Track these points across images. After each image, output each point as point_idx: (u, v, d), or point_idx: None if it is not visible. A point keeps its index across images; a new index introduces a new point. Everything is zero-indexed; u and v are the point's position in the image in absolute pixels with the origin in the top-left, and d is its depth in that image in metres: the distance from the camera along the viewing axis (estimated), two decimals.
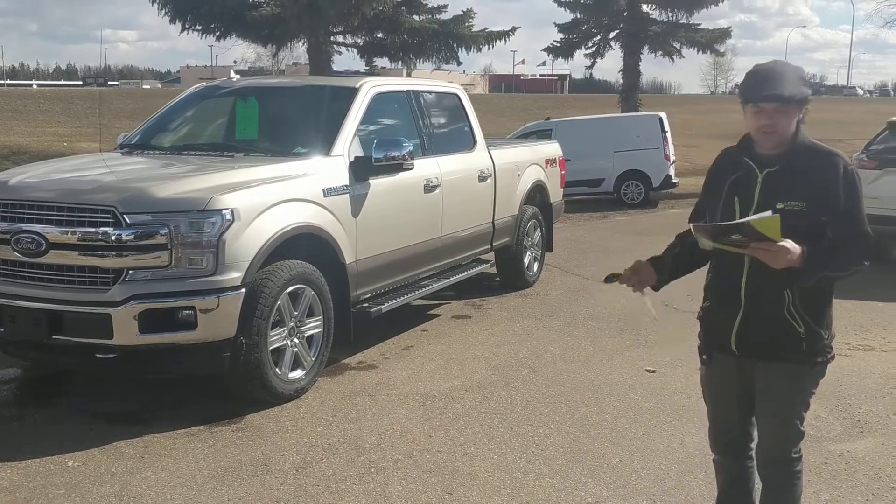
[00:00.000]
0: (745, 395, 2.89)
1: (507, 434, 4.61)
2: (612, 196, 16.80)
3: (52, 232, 4.58)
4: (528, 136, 16.72)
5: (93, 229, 4.51)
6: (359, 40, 15.92)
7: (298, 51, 16.92)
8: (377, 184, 5.78)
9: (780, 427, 2.84)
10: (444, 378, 5.59)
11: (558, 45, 25.51)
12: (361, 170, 5.66)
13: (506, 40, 15.87)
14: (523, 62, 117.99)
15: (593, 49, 25.37)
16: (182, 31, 15.10)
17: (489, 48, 15.69)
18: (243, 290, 4.68)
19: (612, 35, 25.18)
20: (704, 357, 2.94)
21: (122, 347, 4.52)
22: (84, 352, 4.63)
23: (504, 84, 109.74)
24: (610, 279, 3.03)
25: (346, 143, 5.68)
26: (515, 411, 4.97)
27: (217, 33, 15.49)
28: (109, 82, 74.52)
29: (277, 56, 19.12)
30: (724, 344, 2.83)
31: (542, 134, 16.42)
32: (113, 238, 4.48)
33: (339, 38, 16.09)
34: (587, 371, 5.75)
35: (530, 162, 8.53)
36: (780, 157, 2.71)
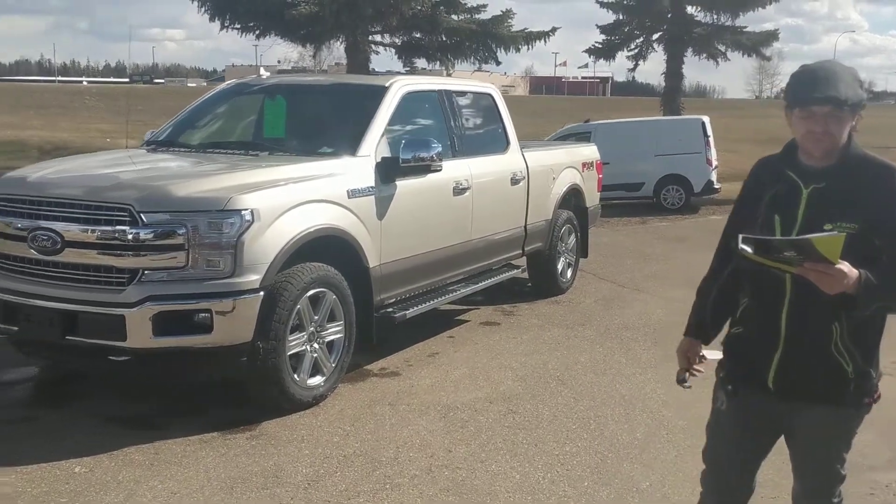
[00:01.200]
0: (770, 435, 2.59)
1: (532, 451, 4.40)
2: (651, 201, 16.45)
3: (68, 230, 4.48)
4: (566, 138, 16.44)
5: (109, 228, 4.40)
6: (397, 40, 15.80)
7: (339, 51, 16.81)
8: (404, 185, 5.60)
9: (821, 473, 2.54)
10: (468, 388, 5.39)
11: (599, 46, 25.15)
12: (388, 171, 5.48)
13: (545, 41, 15.62)
14: (564, 64, 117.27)
15: (635, 51, 24.97)
16: (221, 28, 15.12)
17: (528, 48, 15.46)
18: (262, 293, 4.53)
19: (654, 37, 24.75)
20: (730, 388, 2.57)
21: (136, 350, 4.39)
22: (97, 354, 4.51)
23: (545, 86, 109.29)
24: (682, 382, 2.69)
25: (374, 144, 5.51)
26: (541, 426, 4.75)
27: (256, 32, 15.47)
28: (155, 80, 75.60)
29: (317, 56, 19.03)
30: (757, 379, 2.49)
31: (581, 136, 16.12)
32: (129, 237, 4.36)
33: (378, 38, 15.99)
34: (619, 385, 5.51)
35: (566, 165, 8.29)
36: (828, 170, 2.37)
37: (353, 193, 5.18)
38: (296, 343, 4.80)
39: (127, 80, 68.72)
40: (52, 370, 5.50)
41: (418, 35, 15.40)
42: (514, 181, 7.19)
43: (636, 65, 25.09)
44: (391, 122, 5.78)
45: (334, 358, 5.11)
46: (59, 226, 4.50)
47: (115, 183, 4.64)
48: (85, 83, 65.10)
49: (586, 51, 25.10)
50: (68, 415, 4.77)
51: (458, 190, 6.27)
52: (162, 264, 4.40)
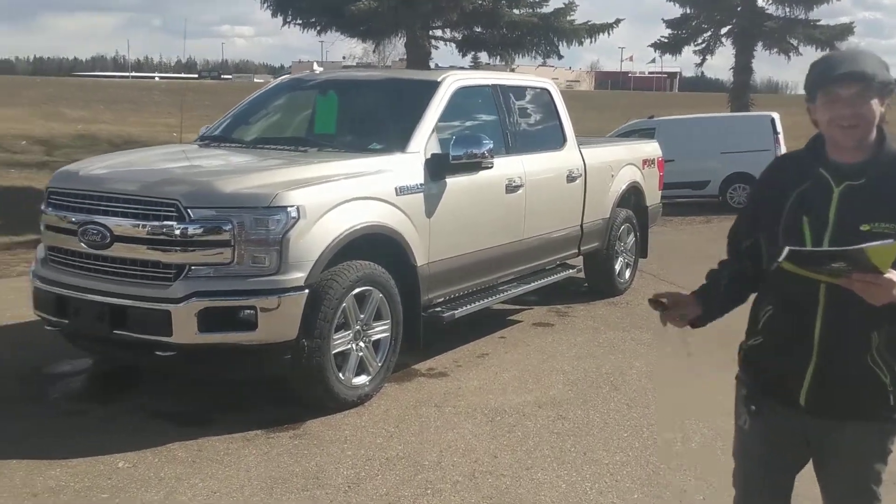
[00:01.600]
0: (801, 454, 2.37)
1: (580, 460, 4.24)
2: (716, 199, 16.01)
3: (117, 224, 4.50)
4: (629, 134, 16.13)
5: (156, 223, 4.40)
6: (457, 35, 15.64)
7: (401, 46, 16.78)
8: (454, 183, 5.48)
9: (855, 494, 2.31)
10: (517, 391, 5.25)
11: (666, 40, 24.55)
12: (438, 168, 5.38)
13: (609, 33, 15.25)
14: (631, 59, 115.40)
15: (703, 45, 24.29)
16: (283, 24, 15.19)
17: (591, 42, 15.13)
18: (306, 290, 4.47)
19: (723, 31, 24.05)
20: (753, 408, 2.37)
21: (181, 346, 4.38)
22: (144, 348, 4.52)
23: (611, 81, 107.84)
24: (655, 304, 2.48)
25: (423, 140, 5.41)
26: (591, 434, 4.59)
27: (318, 27, 15.50)
28: (223, 76, 77.15)
29: (378, 51, 19.03)
30: (785, 396, 2.28)
31: (645, 133, 15.79)
32: (176, 232, 4.35)
33: (438, 33, 15.87)
34: (674, 392, 5.29)
35: (626, 162, 8.06)
36: (861, 166, 2.17)
37: (401, 190, 5.09)
38: (341, 341, 4.74)
39: (196, 76, 70.24)
40: (104, 363, 5.56)
41: (479, 29, 15.23)
42: (571, 178, 7.01)
43: (703, 59, 24.42)
44: (442, 117, 5.67)
45: (380, 357, 5.03)
46: (108, 220, 4.52)
47: (162, 178, 4.64)
48: (157, 79, 66.82)
49: (652, 45, 24.55)
50: (116, 409, 4.79)
51: (511, 187, 6.12)
52: (208, 260, 4.38)
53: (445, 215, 5.42)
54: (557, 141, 7.05)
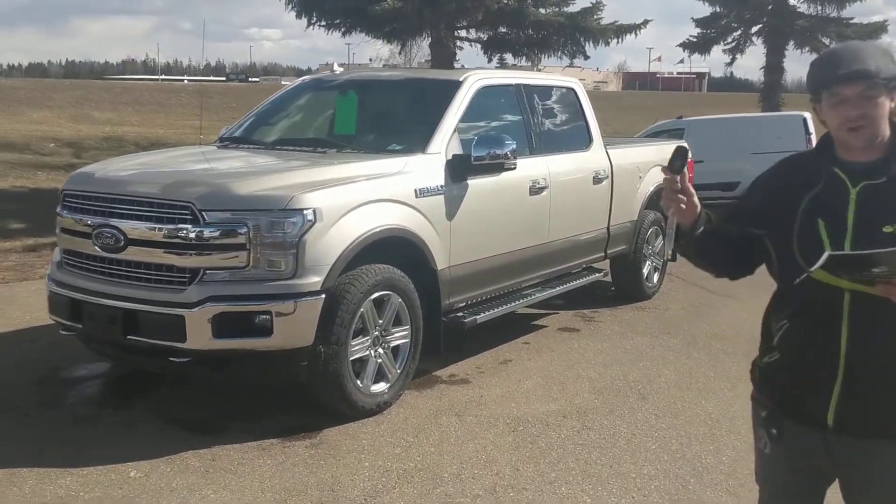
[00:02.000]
0: (826, 477, 2.20)
1: (606, 473, 4.07)
2: None
3: (131, 227, 4.41)
4: (657, 135, 15.87)
5: (171, 226, 4.30)
6: (482, 35, 15.50)
7: (426, 47, 16.67)
8: (476, 184, 5.34)
9: None
10: (541, 400, 5.09)
11: (695, 40, 24.23)
12: (459, 169, 5.23)
13: (636, 34, 15.01)
14: (659, 59, 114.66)
15: (733, 44, 23.94)
16: (308, 25, 15.13)
17: (619, 42, 14.90)
18: (323, 295, 4.35)
19: (753, 30, 23.69)
20: (774, 431, 2.18)
21: (196, 352, 4.28)
22: (158, 354, 4.42)
23: (639, 82, 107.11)
24: (670, 168, 2.24)
25: (444, 140, 5.27)
26: (618, 445, 4.41)
27: (342, 29, 15.43)
28: (251, 78, 77.65)
29: (404, 52, 18.93)
30: (810, 416, 2.11)
31: (674, 133, 15.52)
32: (190, 235, 4.25)
33: (462, 34, 15.74)
34: (705, 401, 5.10)
35: (654, 163, 7.84)
36: (877, 164, 2.03)
37: (421, 192, 4.95)
38: (359, 348, 4.61)
39: (224, 78, 70.78)
40: (121, 367, 5.47)
41: (504, 29, 15.07)
42: (597, 180, 6.83)
43: (733, 59, 24.08)
44: (464, 117, 5.52)
45: (399, 364, 4.89)
46: (122, 223, 4.44)
47: (177, 180, 4.54)
48: (185, 81, 67.43)
49: (681, 45, 24.24)
50: (131, 415, 4.70)
51: (535, 189, 5.96)
52: (223, 264, 4.28)
53: (467, 218, 5.28)
54: (583, 141, 6.87)
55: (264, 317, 4.24)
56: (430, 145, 5.20)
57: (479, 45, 15.92)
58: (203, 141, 6.18)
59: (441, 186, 5.11)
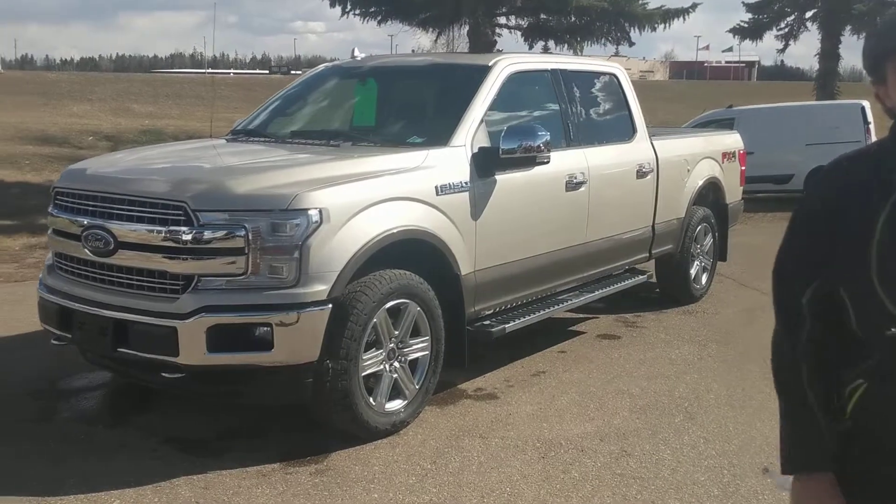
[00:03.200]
0: None
1: None
2: (801, 194, 14.88)
3: (121, 229, 4.00)
4: (706, 125, 15.17)
5: (162, 228, 3.88)
6: (522, 22, 14.95)
7: (462, 35, 16.18)
8: (505, 180, 4.84)
9: None
10: (575, 419, 4.59)
11: (745, 25, 23.26)
12: (486, 163, 4.74)
13: (684, 18, 14.32)
14: (707, 48, 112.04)
15: (785, 30, 22.94)
16: (342, 14, 14.74)
17: (666, 28, 14.22)
18: (330, 305, 3.90)
19: (808, 14, 22.64)
20: None
21: (189, 367, 3.86)
22: (149, 368, 4.02)
23: (686, 71, 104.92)
24: None
25: (470, 132, 4.77)
26: (661, 476, 3.89)
27: (378, 17, 15.02)
28: (293, 71, 77.79)
29: (445, 40, 18.43)
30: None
31: (724, 123, 14.82)
32: (183, 238, 3.83)
33: (502, 21, 15.20)
34: (761, 423, 4.53)
35: (703, 155, 7.27)
36: None
37: (442, 189, 4.47)
38: (372, 362, 4.16)
39: (267, 71, 71.02)
40: (121, 377, 5.10)
41: (545, 16, 14.50)
42: (641, 174, 6.27)
43: (786, 45, 23.05)
44: (493, 106, 5.03)
45: (418, 379, 4.43)
46: (112, 224, 4.04)
47: (171, 178, 4.13)
48: (231, 75, 67.79)
49: (731, 31, 23.28)
50: (124, 433, 4.31)
51: (573, 184, 5.44)
52: (219, 270, 3.85)
53: (494, 217, 4.79)
54: (626, 132, 6.32)
55: (264, 329, 3.81)
56: (453, 137, 4.71)
57: (518, 33, 15.37)
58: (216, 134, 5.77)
59: (465, 183, 4.62)
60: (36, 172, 14.68)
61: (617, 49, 17.52)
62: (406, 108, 5.37)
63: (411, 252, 4.31)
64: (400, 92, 5.55)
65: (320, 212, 3.86)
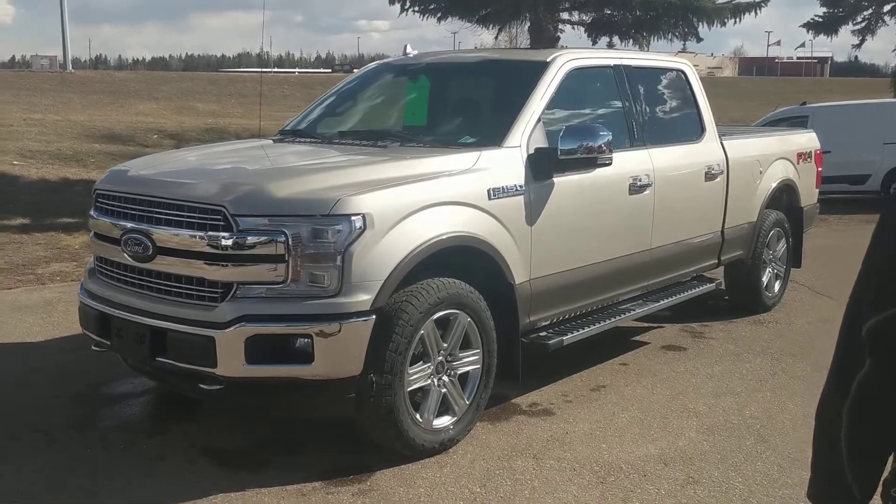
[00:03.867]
0: None
1: None
2: (878, 195, 14.17)
3: (159, 233, 3.85)
4: (778, 123, 14.58)
5: (200, 233, 3.71)
6: (585, 17, 14.53)
7: (523, 32, 15.87)
8: (563, 183, 4.55)
9: None
10: (637, 440, 4.27)
11: (820, 19, 22.32)
12: (543, 165, 4.46)
13: (756, 13, 13.70)
14: (778, 43, 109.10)
15: (862, 25, 21.92)
16: (401, 12, 14.52)
17: (736, 23, 13.62)
18: (374, 316, 3.68)
19: (886, 8, 21.57)
20: None
21: (228, 379, 3.68)
22: (187, 379, 3.86)
23: (756, 67, 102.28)
24: None
25: (526, 132, 4.50)
26: None
27: (437, 14, 14.78)
28: (354, 69, 78.50)
29: (506, 37, 18.13)
30: None
31: (796, 121, 14.20)
32: (222, 244, 3.65)
33: (564, 16, 14.80)
34: None
35: (777, 155, 6.84)
36: None
37: (495, 193, 4.21)
38: (418, 376, 3.92)
39: (330, 70, 71.62)
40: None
41: (609, 11, 14.05)
42: (710, 176, 5.90)
43: (862, 40, 22.04)
44: (551, 104, 4.74)
45: (468, 394, 4.18)
46: (150, 228, 3.89)
47: (210, 181, 3.95)
48: (297, 74, 68.59)
49: (804, 25, 22.38)
50: (164, 443, 4.17)
51: (636, 187, 5.12)
52: (259, 277, 3.66)
53: (551, 222, 4.50)
54: (694, 131, 5.96)
55: (304, 340, 3.61)
56: (508, 137, 4.44)
57: (581, 28, 14.94)
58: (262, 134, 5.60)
59: (520, 186, 4.35)
60: (101, 170, 14.84)
61: (684, 45, 16.97)
62: (459, 106, 5.11)
63: (461, 260, 4.06)
64: (453, 90, 5.29)
65: (363, 217, 3.64)
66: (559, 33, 14.14)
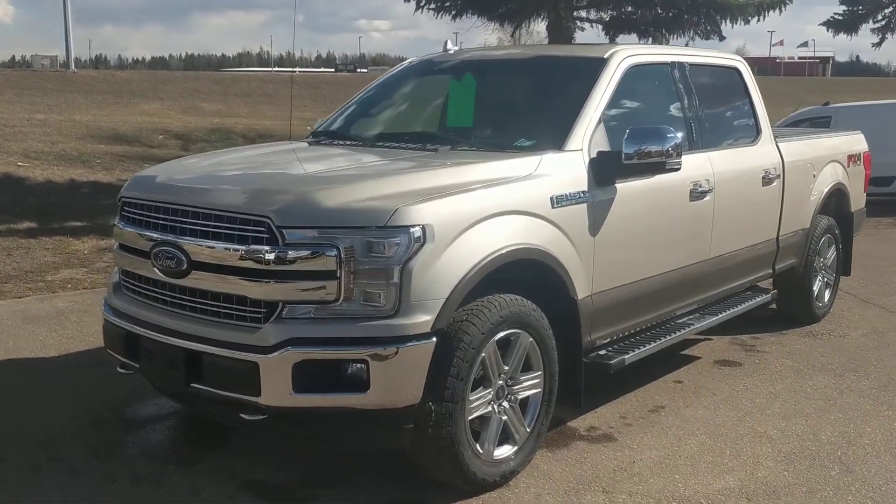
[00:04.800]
0: None
1: None
2: None
3: (195, 246, 3.49)
4: (800, 123, 14.20)
5: (241, 246, 3.35)
6: (604, 15, 14.19)
7: (539, 30, 15.53)
8: (626, 189, 4.20)
9: None
10: (711, 469, 3.92)
11: (840, 17, 21.94)
12: (606, 170, 4.11)
13: (781, 10, 13.36)
14: (781, 43, 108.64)
15: (883, 22, 21.55)
16: (417, 9, 14.19)
17: (759, 20, 13.29)
18: (434, 338, 3.32)
19: None
20: None
21: (273, 409, 3.33)
22: (227, 407, 3.51)
23: (758, 67, 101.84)
24: None
25: (587, 134, 4.15)
26: None
27: (452, 12, 14.44)
28: (359, 69, 78.02)
29: (516, 37, 17.79)
30: None
31: (818, 122, 13.84)
32: (265, 259, 3.29)
33: (582, 14, 14.46)
34: None
35: (829, 158, 6.49)
36: None
37: (558, 201, 3.86)
38: (479, 403, 3.57)
39: (333, 69, 71.25)
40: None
41: (630, 8, 13.71)
42: (767, 180, 5.55)
43: (882, 38, 21.67)
44: (610, 104, 4.39)
45: (529, 421, 3.83)
46: (185, 241, 3.53)
47: (251, 188, 3.59)
48: (297, 72, 68.27)
49: (824, 24, 21.98)
50: (199, 474, 3.81)
51: (697, 193, 4.77)
52: (307, 296, 3.30)
53: (614, 232, 4.15)
54: (750, 133, 5.61)
55: (358, 366, 3.26)
56: (568, 140, 4.09)
57: (599, 27, 14.61)
58: (305, 133, 5.24)
59: (583, 193, 4.00)
60: (107, 171, 14.53)
61: (692, 41, 16.58)
62: (510, 106, 4.73)
63: (522, 274, 3.70)
64: (503, 88, 4.91)
65: (423, 229, 3.29)
66: (578, 31, 13.81)
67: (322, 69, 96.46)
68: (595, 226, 4.06)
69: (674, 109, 4.89)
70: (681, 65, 5.06)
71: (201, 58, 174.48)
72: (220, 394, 3.42)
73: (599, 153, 4.14)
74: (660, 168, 4.18)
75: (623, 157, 4.09)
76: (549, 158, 3.97)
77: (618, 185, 4.18)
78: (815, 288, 6.50)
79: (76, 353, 5.57)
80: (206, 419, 4.32)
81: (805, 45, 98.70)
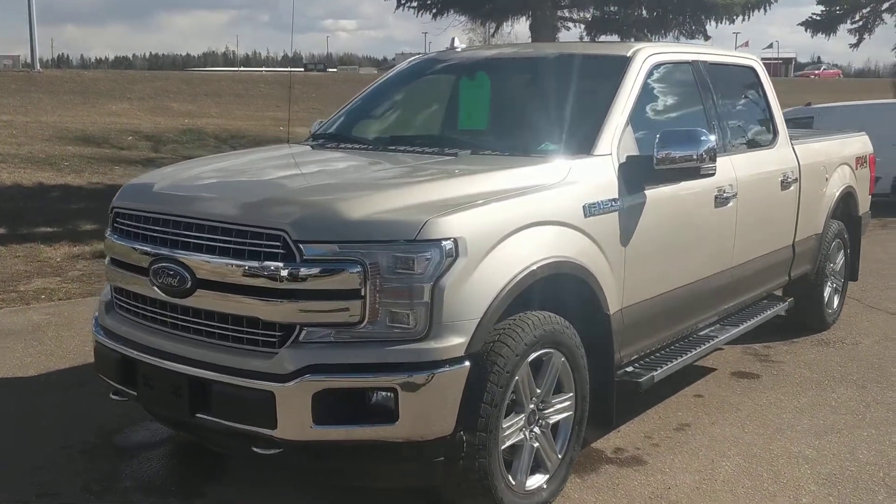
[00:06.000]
0: None
1: None
2: (887, 198, 13.79)
3: (200, 262, 3.16)
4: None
5: (254, 263, 3.03)
6: (587, 15, 14.00)
7: (517, 29, 15.30)
8: (655, 195, 3.95)
9: None
10: (752, 495, 3.68)
11: (818, 18, 21.98)
12: (636, 175, 3.86)
13: (766, 9, 13.29)
14: (746, 44, 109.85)
15: (860, 23, 21.63)
16: (398, 7, 13.92)
17: (745, 19, 13.19)
18: (467, 363, 3.03)
19: (884, 6, 21.30)
20: None
21: (290, 443, 3.02)
22: (237, 440, 3.19)
23: None
24: None
25: (615, 137, 3.89)
26: None
27: (434, 10, 14.16)
28: (329, 69, 77.35)
29: (496, 36, 17.54)
30: None
31: (801, 122, 13.76)
32: (281, 276, 2.98)
33: (565, 13, 14.26)
34: None
35: (839, 161, 6.32)
36: None
37: (591, 209, 3.60)
38: (512, 430, 3.29)
39: (302, 68, 70.56)
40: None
41: (613, 8, 13.54)
42: (785, 184, 5.34)
43: (860, 39, 21.75)
44: (636, 105, 4.13)
45: (560, 446, 3.56)
46: (189, 257, 3.20)
47: (262, 199, 3.25)
48: (263, 72, 67.53)
49: (802, 24, 22.00)
50: None
51: (722, 199, 4.54)
52: (327, 318, 2.99)
53: (644, 242, 3.90)
54: (767, 135, 5.40)
55: (386, 395, 2.96)
56: (597, 144, 3.83)
57: (582, 26, 14.43)
58: (285, 134, 4.90)
59: (615, 200, 3.74)
60: (76, 174, 14.02)
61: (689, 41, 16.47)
62: (529, 108, 4.44)
63: (553, 289, 3.43)
64: (519, 89, 4.63)
65: (455, 242, 3.00)
66: (563, 30, 13.60)
67: (290, 69, 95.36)
68: (626, 235, 3.80)
69: (695, 110, 4.65)
70: (700, 63, 4.82)
71: (166, 57, 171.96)
72: (229, 426, 3.10)
73: (629, 158, 3.89)
74: (694, 174, 3.93)
75: (654, 161, 3.84)
76: (579, 164, 3.70)
77: (647, 192, 3.93)
78: (826, 294, 6.33)
79: (57, 370, 5.20)
80: (202, 449, 3.98)
81: (770, 46, 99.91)
